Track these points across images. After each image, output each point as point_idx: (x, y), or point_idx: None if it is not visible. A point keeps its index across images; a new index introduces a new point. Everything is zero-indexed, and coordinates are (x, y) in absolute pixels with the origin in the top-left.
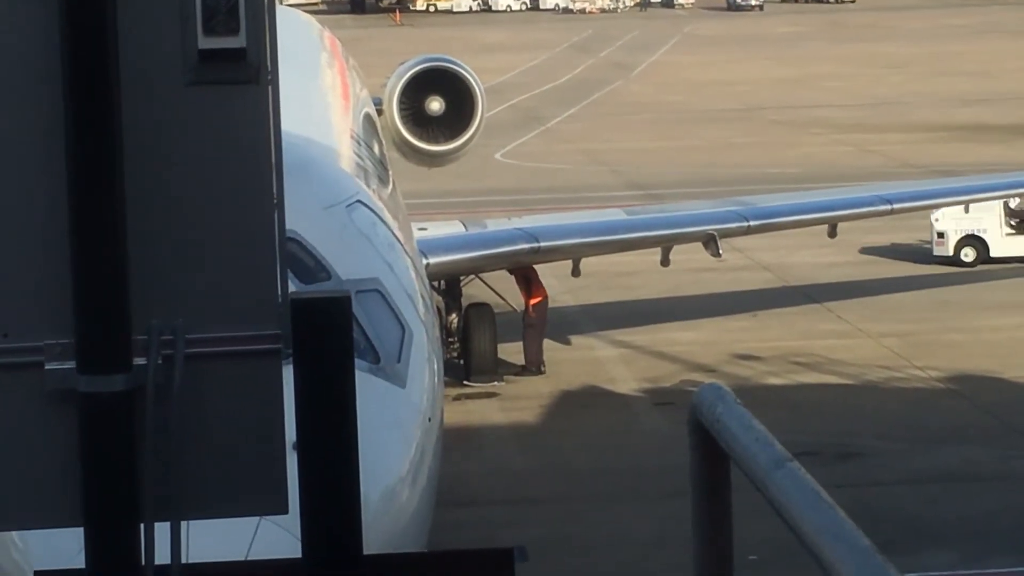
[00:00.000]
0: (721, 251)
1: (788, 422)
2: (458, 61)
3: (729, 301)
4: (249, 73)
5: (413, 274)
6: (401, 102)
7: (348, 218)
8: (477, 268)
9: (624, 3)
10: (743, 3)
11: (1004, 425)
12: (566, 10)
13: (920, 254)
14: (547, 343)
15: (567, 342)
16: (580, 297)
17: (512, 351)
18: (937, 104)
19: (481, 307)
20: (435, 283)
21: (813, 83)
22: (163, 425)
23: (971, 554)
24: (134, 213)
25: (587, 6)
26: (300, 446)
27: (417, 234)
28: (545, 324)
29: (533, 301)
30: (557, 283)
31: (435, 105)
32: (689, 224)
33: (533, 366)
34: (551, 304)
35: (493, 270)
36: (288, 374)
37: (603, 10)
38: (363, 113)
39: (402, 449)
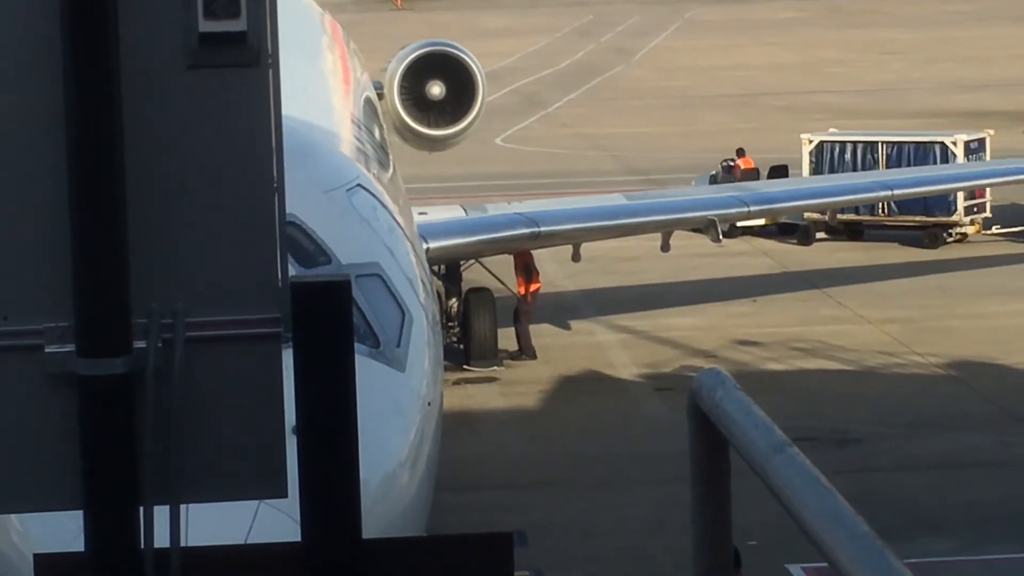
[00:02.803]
0: (721, 236)
1: (788, 407)
2: (459, 45)
3: (729, 286)
4: (250, 56)
5: (413, 258)
6: (402, 86)
7: (348, 202)
8: (477, 253)
9: None
10: None
11: (1004, 412)
12: None
13: None
14: (548, 328)
15: (567, 327)
16: (580, 282)
17: (511, 335)
18: (938, 90)
19: (481, 292)
20: (435, 268)
21: (814, 69)
22: (163, 408)
23: (970, 540)
24: (134, 197)
25: None
26: (300, 430)
27: (417, 218)
28: (532, 311)
29: (533, 288)
30: (557, 268)
31: (436, 89)
32: (689, 209)
33: (529, 351)
34: (551, 289)
35: (493, 255)
36: (288, 358)
37: None
38: (364, 97)
39: (402, 433)
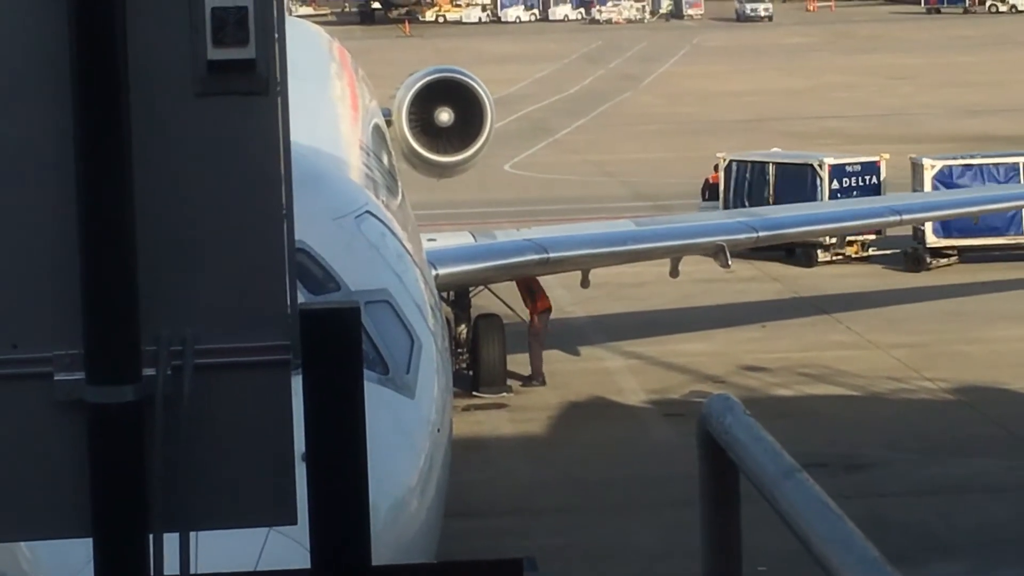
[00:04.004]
0: (730, 262)
1: (797, 433)
2: (467, 72)
3: (738, 312)
4: (258, 84)
5: (422, 285)
6: (410, 113)
7: (357, 229)
8: (486, 279)
9: (648, 14)
10: (752, 14)
11: (1013, 436)
12: (592, 20)
13: None
14: (556, 354)
15: (576, 353)
16: (589, 308)
17: (521, 362)
18: (946, 114)
19: (490, 318)
20: (444, 294)
21: (822, 94)
22: (172, 436)
23: (980, 565)
24: (143, 224)
25: (613, 16)
26: (309, 456)
27: (426, 245)
28: (545, 334)
29: (541, 308)
30: (566, 294)
31: (444, 116)
32: (698, 235)
33: (538, 376)
34: (560, 315)
35: (502, 281)
36: (297, 385)
37: (629, 20)
38: (372, 124)
39: (411, 459)
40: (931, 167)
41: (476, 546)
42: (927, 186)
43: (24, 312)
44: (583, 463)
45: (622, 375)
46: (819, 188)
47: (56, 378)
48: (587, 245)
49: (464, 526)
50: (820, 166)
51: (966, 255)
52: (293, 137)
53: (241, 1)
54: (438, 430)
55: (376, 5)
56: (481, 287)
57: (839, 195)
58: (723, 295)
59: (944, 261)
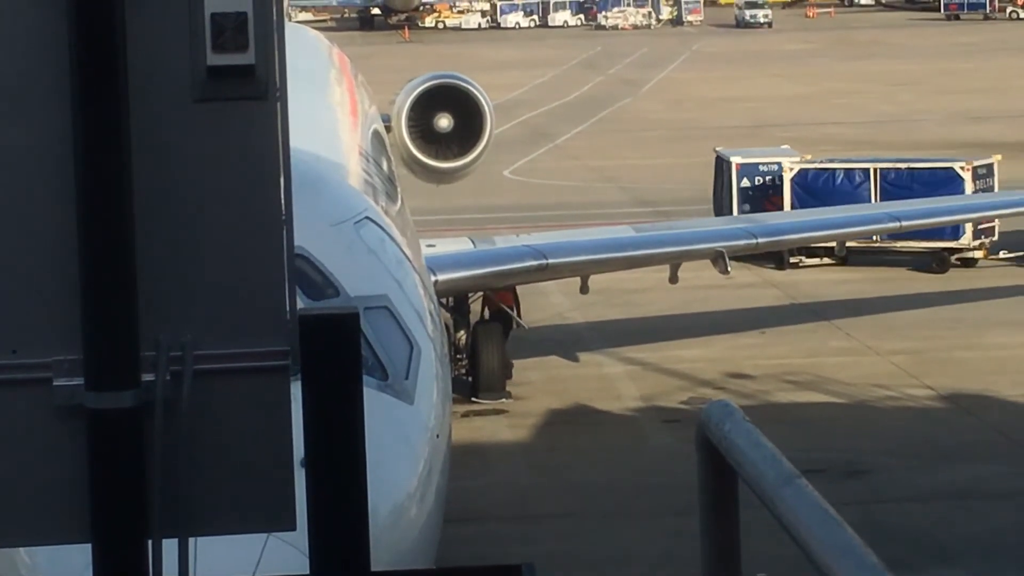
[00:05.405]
0: (729, 268)
1: (796, 439)
2: (467, 78)
3: (737, 318)
4: (258, 89)
5: (421, 291)
6: (410, 119)
7: (356, 235)
8: (485, 285)
9: (654, 21)
10: (751, 20)
11: (1012, 443)
12: (598, 26)
13: None
14: (556, 360)
15: (575, 359)
16: (588, 314)
17: (520, 367)
18: (946, 121)
19: (489, 324)
20: (443, 300)
21: (822, 100)
22: (171, 441)
23: (979, 572)
24: (142, 229)
25: (619, 22)
26: (308, 462)
27: (425, 251)
28: (500, 326)
29: (501, 299)
30: (565, 300)
31: (444, 122)
32: (697, 241)
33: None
34: (559, 321)
35: (501, 287)
36: (296, 390)
37: (636, 26)
38: (371, 130)
39: (410, 465)
40: (790, 170)
41: (475, 552)
42: (786, 189)
43: (24, 317)
44: (582, 469)
45: (621, 381)
46: (729, 186)
47: (55, 383)
48: (586, 251)
49: (463, 532)
50: (730, 164)
51: (852, 259)
52: (292, 143)
53: (241, 7)
54: (437, 436)
55: (376, 11)
56: (480, 293)
57: (749, 193)
58: (722, 301)
59: (815, 261)
